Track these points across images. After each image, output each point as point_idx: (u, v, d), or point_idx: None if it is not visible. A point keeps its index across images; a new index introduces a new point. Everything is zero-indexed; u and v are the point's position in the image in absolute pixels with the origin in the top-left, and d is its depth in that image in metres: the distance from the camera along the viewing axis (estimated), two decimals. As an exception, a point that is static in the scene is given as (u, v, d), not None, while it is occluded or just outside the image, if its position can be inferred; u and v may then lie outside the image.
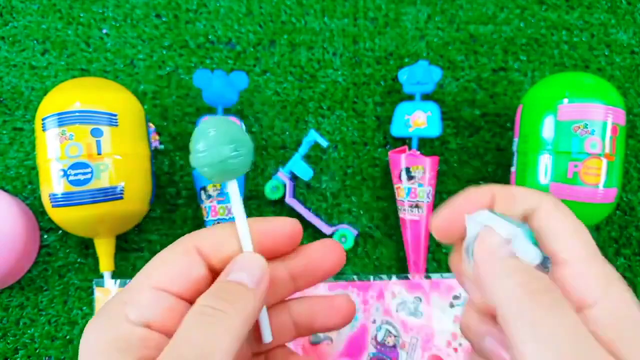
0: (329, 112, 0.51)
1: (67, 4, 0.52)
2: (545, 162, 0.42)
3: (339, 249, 0.27)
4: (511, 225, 0.22)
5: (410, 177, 0.46)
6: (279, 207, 0.49)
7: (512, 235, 0.21)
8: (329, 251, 0.27)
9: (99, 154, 0.40)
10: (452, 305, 0.46)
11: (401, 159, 0.47)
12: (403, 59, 0.52)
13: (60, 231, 0.48)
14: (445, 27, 0.53)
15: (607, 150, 0.41)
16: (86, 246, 0.48)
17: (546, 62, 0.52)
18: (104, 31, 0.52)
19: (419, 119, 0.47)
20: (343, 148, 0.51)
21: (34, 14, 0.52)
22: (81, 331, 0.47)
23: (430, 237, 0.49)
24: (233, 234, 0.25)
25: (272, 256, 0.26)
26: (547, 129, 0.42)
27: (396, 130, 0.48)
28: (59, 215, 0.41)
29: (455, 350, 0.45)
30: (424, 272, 0.47)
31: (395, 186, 0.48)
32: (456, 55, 0.52)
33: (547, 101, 0.43)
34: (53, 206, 0.41)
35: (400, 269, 0.49)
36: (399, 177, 0.47)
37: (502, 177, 0.50)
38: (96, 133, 0.40)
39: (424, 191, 0.46)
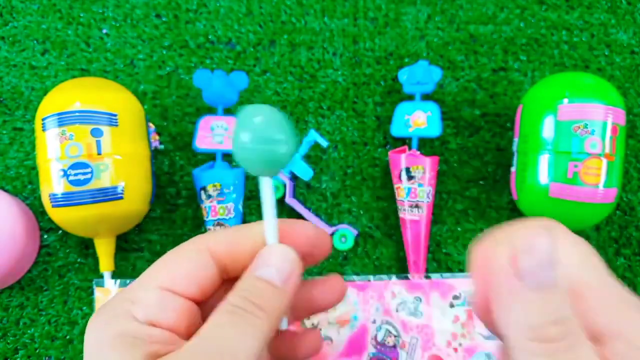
0: (329, 112, 0.51)
1: (67, 4, 0.52)
2: (545, 162, 0.42)
3: (342, 286, 0.27)
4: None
5: (410, 177, 0.46)
6: (279, 207, 0.49)
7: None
8: (330, 290, 0.27)
9: (99, 154, 0.40)
10: (452, 305, 0.46)
11: (401, 159, 0.47)
12: (403, 59, 0.52)
13: (60, 231, 0.48)
14: (445, 27, 0.53)
15: (607, 150, 0.41)
16: (86, 246, 0.48)
17: (546, 62, 0.52)
18: (104, 31, 0.52)
19: (419, 119, 0.47)
20: (343, 148, 0.51)
21: (34, 14, 0.52)
22: (81, 331, 0.47)
23: (430, 237, 0.49)
24: (247, 235, 0.25)
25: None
26: (547, 129, 0.42)
27: (396, 130, 0.48)
28: (59, 215, 0.41)
29: (455, 350, 0.45)
30: (424, 272, 0.47)
31: (395, 186, 0.48)
32: (456, 55, 0.52)
33: (547, 101, 0.43)
34: (53, 206, 0.41)
35: (400, 269, 0.49)
36: (399, 177, 0.47)
37: (502, 177, 0.50)
38: (96, 133, 0.40)
39: (424, 191, 0.46)
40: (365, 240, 0.49)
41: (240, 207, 0.47)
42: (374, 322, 0.46)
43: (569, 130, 0.41)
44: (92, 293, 0.47)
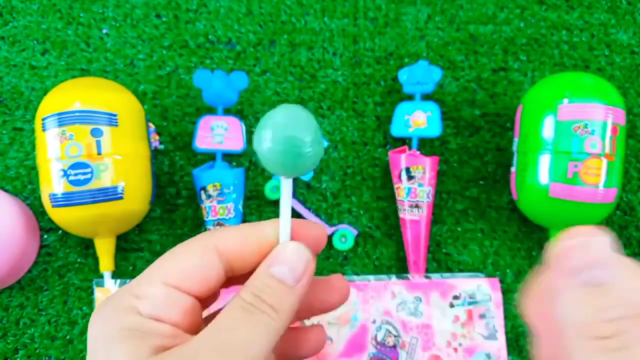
0: (329, 112, 0.51)
1: (67, 4, 0.52)
2: (545, 162, 0.42)
3: (345, 286, 0.27)
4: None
5: (410, 177, 0.46)
6: (279, 207, 0.49)
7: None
8: (332, 290, 0.27)
9: (99, 154, 0.40)
10: (452, 305, 0.46)
11: (401, 159, 0.47)
12: (403, 59, 0.52)
13: (60, 231, 0.48)
14: (445, 27, 0.53)
15: (607, 150, 0.41)
16: (86, 246, 0.48)
17: (546, 62, 0.52)
18: (104, 31, 0.52)
19: (419, 119, 0.47)
20: (343, 148, 0.51)
21: (34, 14, 0.52)
22: (81, 331, 0.47)
23: (430, 237, 0.49)
24: (256, 234, 0.24)
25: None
26: (547, 129, 0.42)
27: (396, 130, 0.48)
28: (59, 215, 0.41)
29: (455, 350, 0.45)
30: (424, 272, 0.47)
31: (395, 186, 0.48)
32: (456, 55, 0.52)
33: (547, 101, 0.43)
34: (53, 206, 0.41)
35: (400, 269, 0.49)
36: (399, 177, 0.47)
37: (502, 177, 0.50)
38: (96, 133, 0.40)
39: (424, 191, 0.46)
40: (365, 240, 0.49)
41: (240, 207, 0.47)
42: (374, 322, 0.46)
43: (569, 130, 0.41)
44: (92, 293, 0.47)
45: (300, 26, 0.52)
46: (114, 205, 0.41)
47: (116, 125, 0.41)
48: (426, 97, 0.50)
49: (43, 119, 0.41)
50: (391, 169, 0.48)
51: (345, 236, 0.48)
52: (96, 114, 0.41)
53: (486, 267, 0.49)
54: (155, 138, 0.49)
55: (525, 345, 0.47)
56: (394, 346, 0.45)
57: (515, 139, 0.46)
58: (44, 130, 0.41)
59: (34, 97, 0.50)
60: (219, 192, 0.46)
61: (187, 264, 0.23)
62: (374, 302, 0.46)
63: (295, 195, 0.49)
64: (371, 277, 0.47)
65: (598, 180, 0.41)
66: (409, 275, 0.47)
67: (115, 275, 0.47)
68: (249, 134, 0.50)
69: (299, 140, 0.21)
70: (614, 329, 0.19)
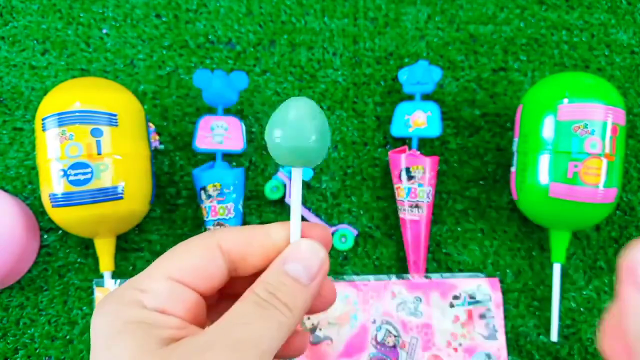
0: (329, 112, 0.51)
1: (67, 4, 0.52)
2: (545, 162, 0.42)
3: (333, 292, 0.27)
4: None
5: (410, 177, 0.46)
6: (279, 207, 0.49)
7: None
8: (320, 296, 0.26)
9: (99, 154, 0.40)
10: (452, 305, 0.46)
11: (401, 159, 0.47)
12: (403, 59, 0.52)
13: (60, 231, 0.48)
14: (445, 27, 0.53)
15: (607, 150, 0.41)
16: (86, 246, 0.48)
17: (546, 62, 0.52)
18: (104, 31, 0.52)
19: (419, 119, 0.47)
20: (343, 148, 0.51)
21: (34, 14, 0.52)
22: (81, 331, 0.47)
23: (430, 237, 0.49)
24: (260, 236, 0.24)
25: None
26: (547, 129, 0.42)
27: (396, 130, 0.48)
28: (59, 215, 0.41)
29: (455, 350, 0.45)
30: (424, 272, 0.47)
31: (395, 186, 0.48)
32: (456, 55, 0.52)
33: (547, 101, 0.43)
34: (53, 206, 0.41)
35: (400, 269, 0.49)
36: (399, 177, 0.47)
37: (502, 177, 0.50)
38: (96, 133, 0.40)
39: (424, 191, 0.46)
40: (365, 240, 0.49)
41: (240, 207, 0.47)
42: (374, 322, 0.46)
43: (569, 130, 0.41)
44: (92, 293, 0.47)
45: (300, 26, 0.52)
46: (114, 205, 0.41)
47: (116, 125, 0.41)
48: (426, 97, 0.50)
49: (43, 119, 0.41)
50: (391, 169, 0.48)
51: (345, 236, 0.48)
52: (96, 114, 0.41)
53: (486, 267, 0.49)
54: (155, 138, 0.49)
55: (526, 345, 0.47)
56: (394, 346, 0.45)
57: (515, 139, 0.46)
58: (44, 130, 0.41)
59: (34, 97, 0.50)
60: (219, 192, 0.46)
61: (190, 260, 0.23)
62: (374, 302, 0.46)
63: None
64: (371, 277, 0.47)
65: (598, 180, 0.41)
66: (409, 275, 0.47)
67: (115, 275, 0.47)
68: (249, 134, 0.50)
69: (309, 133, 0.23)
70: None
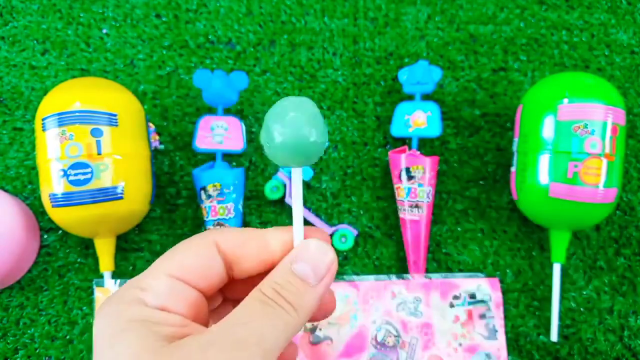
0: (329, 112, 0.51)
1: (67, 4, 0.52)
2: (545, 162, 0.42)
3: (333, 300, 0.27)
4: None
5: (410, 177, 0.46)
6: (279, 207, 0.49)
7: None
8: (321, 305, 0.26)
9: (99, 154, 0.40)
10: (452, 305, 0.46)
11: (401, 159, 0.47)
12: (403, 59, 0.52)
13: (60, 231, 0.48)
14: (445, 27, 0.53)
15: (607, 150, 0.41)
16: (86, 246, 0.48)
17: (546, 62, 0.52)
18: (104, 31, 0.52)
19: (419, 119, 0.47)
20: (343, 148, 0.51)
21: (34, 14, 0.52)
22: (81, 331, 0.47)
23: (430, 237, 0.49)
24: (256, 240, 0.24)
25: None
26: (547, 129, 0.42)
27: (396, 130, 0.48)
28: (59, 215, 0.41)
29: (455, 350, 0.45)
30: (424, 272, 0.47)
31: (395, 186, 0.48)
32: (456, 55, 0.52)
33: (547, 101, 0.43)
34: (53, 206, 0.41)
35: (400, 269, 0.49)
36: (399, 177, 0.47)
37: (502, 177, 0.50)
38: (96, 133, 0.40)
39: (424, 191, 0.46)
40: (365, 240, 0.49)
41: (240, 207, 0.47)
42: (374, 322, 0.46)
43: (569, 130, 0.41)
44: (92, 293, 0.47)
45: (300, 26, 0.52)
46: (114, 205, 0.41)
47: (116, 125, 0.41)
48: (426, 97, 0.50)
49: (43, 119, 0.41)
50: (391, 169, 0.48)
51: (345, 236, 0.48)
52: (96, 114, 0.41)
53: (486, 267, 0.49)
54: (155, 138, 0.49)
55: (526, 345, 0.47)
56: (394, 346, 0.45)
57: (515, 139, 0.46)
58: (44, 130, 0.41)
59: (34, 97, 0.50)
60: (219, 192, 0.46)
61: (189, 258, 0.23)
62: (374, 302, 0.46)
63: (295, 195, 0.49)
64: (371, 277, 0.47)
65: (598, 180, 0.41)
66: (409, 275, 0.47)
67: (115, 275, 0.47)
68: (249, 134, 0.50)
69: (307, 131, 0.22)
70: None
